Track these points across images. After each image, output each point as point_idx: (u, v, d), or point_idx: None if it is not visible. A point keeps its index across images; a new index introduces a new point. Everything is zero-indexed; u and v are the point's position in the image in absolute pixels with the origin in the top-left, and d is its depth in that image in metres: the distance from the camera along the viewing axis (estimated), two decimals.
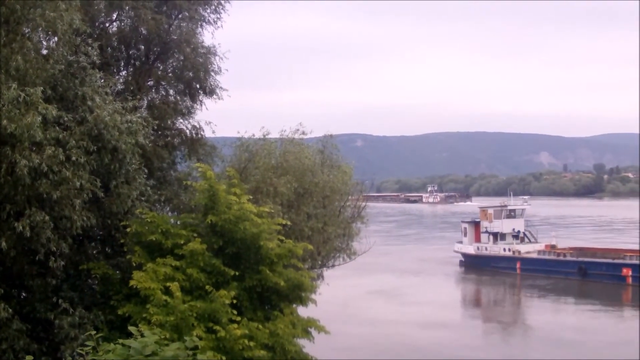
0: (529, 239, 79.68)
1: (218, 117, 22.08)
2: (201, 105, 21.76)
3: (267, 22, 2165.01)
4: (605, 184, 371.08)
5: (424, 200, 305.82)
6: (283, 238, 17.20)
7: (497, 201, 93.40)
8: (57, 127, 14.16)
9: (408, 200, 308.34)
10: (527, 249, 76.28)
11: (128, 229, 16.30)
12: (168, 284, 14.68)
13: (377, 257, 43.44)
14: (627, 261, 65.84)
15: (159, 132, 20.32)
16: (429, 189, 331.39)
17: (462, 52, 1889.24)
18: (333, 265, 29.42)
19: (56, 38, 15.24)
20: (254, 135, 26.77)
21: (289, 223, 19.11)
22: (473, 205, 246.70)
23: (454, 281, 73.61)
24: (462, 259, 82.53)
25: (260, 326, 15.15)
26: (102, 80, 16.35)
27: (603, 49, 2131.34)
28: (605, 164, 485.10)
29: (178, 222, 17.65)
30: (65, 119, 14.53)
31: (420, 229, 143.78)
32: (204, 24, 21.22)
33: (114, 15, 20.60)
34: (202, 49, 20.87)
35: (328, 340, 18.21)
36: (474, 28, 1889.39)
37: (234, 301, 15.02)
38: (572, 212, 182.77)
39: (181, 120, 21.80)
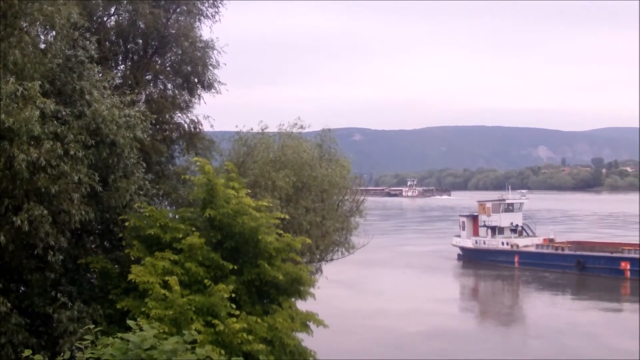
0: (527, 233, 79.73)
1: (216, 112, 22.12)
2: (199, 99, 21.77)
3: (267, 19, 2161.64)
4: (604, 178, 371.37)
5: (403, 194, 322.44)
6: (281, 232, 17.21)
7: (495, 195, 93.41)
8: (55, 121, 14.15)
9: (389, 194, 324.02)
10: (525, 243, 76.34)
11: (126, 223, 16.31)
12: (167, 278, 14.69)
13: (372, 251, 43.37)
14: (626, 255, 65.84)
15: (157, 126, 20.31)
16: (409, 183, 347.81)
17: (461, 47, 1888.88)
18: (332, 259, 29.43)
19: (54, 32, 15.23)
20: (252, 129, 26.83)
21: (287, 217, 19.13)
22: (451, 199, 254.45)
23: (452, 275, 73.59)
24: (460, 253, 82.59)
25: (259, 320, 15.16)
26: (100, 75, 16.33)
27: (602, 44, 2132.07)
28: (603, 158, 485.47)
29: (176, 216, 17.63)
30: (64, 113, 14.53)
31: (406, 223, 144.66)
32: (202, 18, 21.21)
33: (112, 10, 20.58)
34: (200, 43, 20.83)
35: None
36: (473, 25, 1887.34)
37: (233, 295, 15.03)
38: (554, 206, 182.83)
39: (179, 115, 21.80)
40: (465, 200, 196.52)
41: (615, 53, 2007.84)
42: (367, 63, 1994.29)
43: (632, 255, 64.97)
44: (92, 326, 8.06)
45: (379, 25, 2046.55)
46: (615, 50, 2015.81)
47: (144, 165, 16.93)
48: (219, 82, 21.40)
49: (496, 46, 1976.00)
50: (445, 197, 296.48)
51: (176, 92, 21.52)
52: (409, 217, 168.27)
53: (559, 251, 71.85)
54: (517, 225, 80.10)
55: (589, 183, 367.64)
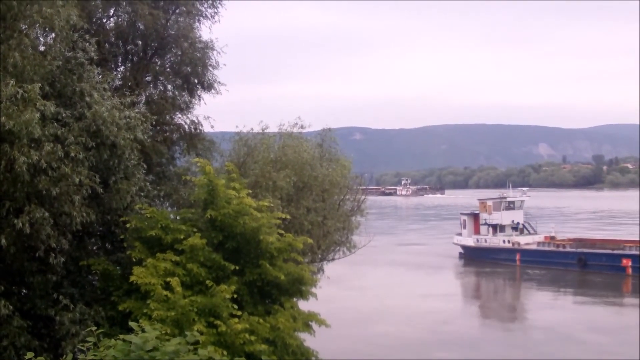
0: (528, 231, 79.68)
1: (216, 112, 22.11)
2: (199, 100, 21.79)
3: (266, 17, 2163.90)
4: (605, 175, 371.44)
5: (397, 193, 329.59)
6: (283, 232, 17.21)
7: (496, 193, 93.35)
8: (56, 124, 14.15)
9: (384, 193, 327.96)
10: (526, 241, 76.31)
11: (128, 225, 16.29)
12: (168, 279, 14.70)
13: (372, 250, 43.19)
14: (627, 252, 65.80)
15: (158, 128, 20.30)
16: (403, 182, 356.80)
17: (461, 44, 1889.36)
18: (333, 259, 29.43)
19: (53, 34, 15.23)
20: (252, 129, 26.84)
21: (288, 217, 19.12)
22: (444, 198, 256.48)
23: (454, 273, 73.56)
24: (462, 251, 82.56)
25: (261, 320, 15.17)
26: (100, 76, 16.33)
27: (602, 39, 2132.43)
28: (604, 155, 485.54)
29: (177, 217, 17.64)
30: (64, 115, 14.53)
31: (400, 222, 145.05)
32: (201, 18, 21.24)
33: (111, 11, 20.60)
34: (200, 43, 20.85)
35: None
36: (473, 20, 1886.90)
37: (235, 296, 15.04)
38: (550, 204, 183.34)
39: (179, 115, 21.80)
40: (459, 199, 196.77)
41: (615, 49, 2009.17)
42: (366, 62, 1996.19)
43: (634, 252, 64.96)
44: (94, 328, 8.07)
45: (378, 23, 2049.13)
46: (615, 46, 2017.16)
47: (145, 166, 16.93)
48: (219, 82, 21.46)
49: (497, 43, 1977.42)
50: (438, 195, 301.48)
51: (176, 93, 21.53)
52: (404, 216, 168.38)
53: (560, 249, 71.81)
54: (518, 223, 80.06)
55: (590, 180, 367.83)
